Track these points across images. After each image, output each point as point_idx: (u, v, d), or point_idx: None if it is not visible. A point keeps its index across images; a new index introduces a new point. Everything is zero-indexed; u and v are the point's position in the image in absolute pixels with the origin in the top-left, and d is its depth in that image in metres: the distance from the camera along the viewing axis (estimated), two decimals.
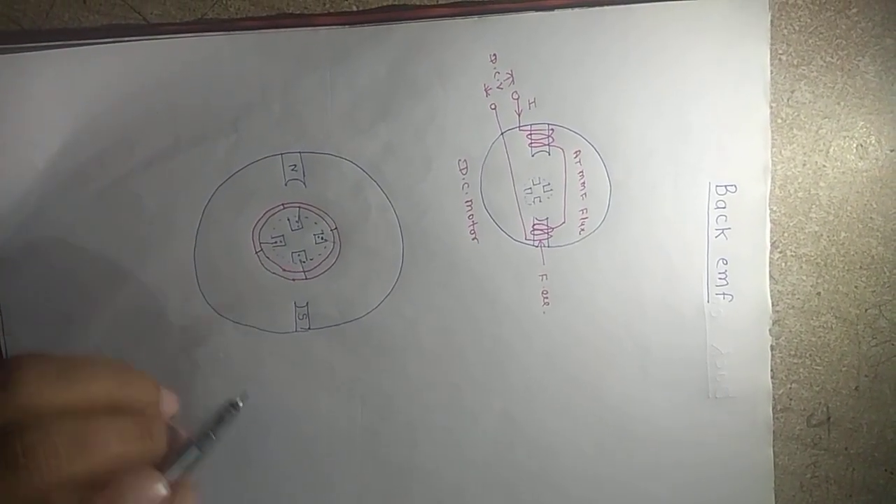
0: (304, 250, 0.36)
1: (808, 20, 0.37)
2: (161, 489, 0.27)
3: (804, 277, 0.39)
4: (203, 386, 0.36)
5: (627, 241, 0.37)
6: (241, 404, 0.35)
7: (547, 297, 0.37)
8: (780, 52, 0.37)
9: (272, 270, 0.36)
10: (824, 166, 0.38)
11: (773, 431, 0.38)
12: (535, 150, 0.36)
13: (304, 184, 0.35)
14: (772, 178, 0.37)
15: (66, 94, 0.34)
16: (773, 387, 0.38)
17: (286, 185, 0.35)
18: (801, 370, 0.39)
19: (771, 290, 0.38)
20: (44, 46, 0.33)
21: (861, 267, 0.39)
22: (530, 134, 0.36)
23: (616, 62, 0.36)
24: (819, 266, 0.39)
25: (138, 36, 0.34)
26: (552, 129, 0.36)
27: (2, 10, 0.34)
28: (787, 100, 0.38)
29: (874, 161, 0.38)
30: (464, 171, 0.36)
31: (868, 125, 0.38)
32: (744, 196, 0.37)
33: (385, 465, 0.37)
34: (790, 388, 0.39)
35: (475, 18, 0.35)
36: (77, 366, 0.27)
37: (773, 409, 0.38)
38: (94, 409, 0.26)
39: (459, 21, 0.35)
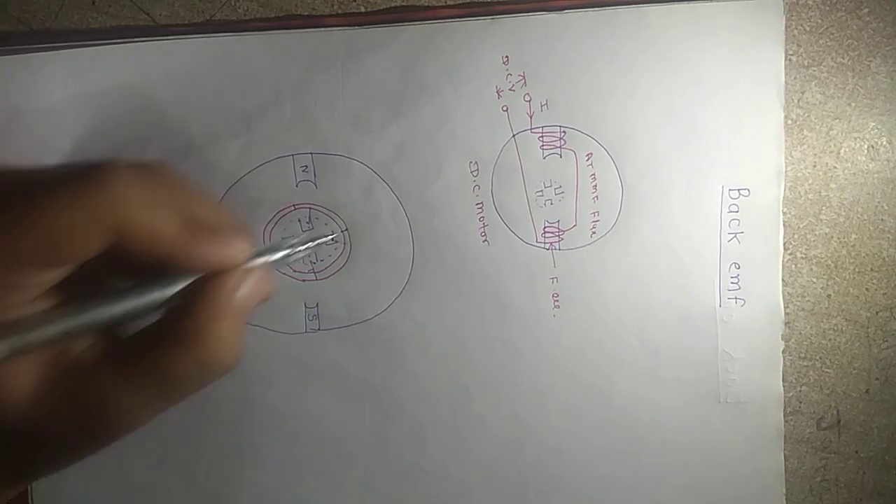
0: (315, 251, 0.36)
1: (819, 21, 0.37)
2: (246, 248, 0.27)
3: (814, 280, 0.38)
4: (212, 386, 0.36)
5: (639, 245, 0.36)
6: (333, 236, 0.35)
7: (557, 300, 0.37)
8: (791, 52, 0.37)
9: (282, 271, 0.36)
10: (835, 168, 0.38)
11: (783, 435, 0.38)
12: (546, 153, 0.36)
13: (315, 185, 0.35)
14: None
15: (77, 95, 0.33)
16: (783, 390, 0.38)
17: (297, 186, 0.35)
18: (811, 373, 0.39)
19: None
20: (53, 47, 0.33)
21: (872, 269, 0.38)
22: (542, 136, 0.36)
23: (628, 63, 0.35)
24: (829, 268, 0.38)
25: (147, 37, 0.34)
26: (564, 132, 0.36)
27: (11, 11, 0.34)
28: (798, 101, 0.37)
29: (885, 162, 0.38)
30: (475, 174, 0.36)
31: (879, 126, 0.38)
32: (757, 200, 0.36)
33: (393, 466, 0.37)
34: (800, 390, 0.39)
35: (487, 20, 0.35)
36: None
37: (783, 412, 0.38)
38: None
39: (471, 22, 0.35)
